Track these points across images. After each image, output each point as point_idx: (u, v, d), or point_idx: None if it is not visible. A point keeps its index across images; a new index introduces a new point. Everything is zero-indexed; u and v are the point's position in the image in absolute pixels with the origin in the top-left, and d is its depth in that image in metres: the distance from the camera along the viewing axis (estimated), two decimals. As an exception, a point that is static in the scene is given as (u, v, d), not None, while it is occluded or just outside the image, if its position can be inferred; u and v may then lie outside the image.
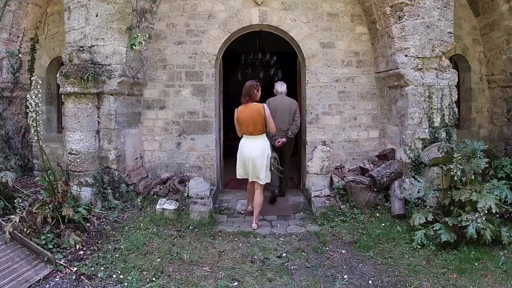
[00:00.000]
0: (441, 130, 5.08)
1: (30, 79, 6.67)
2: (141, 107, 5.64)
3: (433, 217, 4.07)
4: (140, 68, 5.35)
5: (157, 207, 4.42)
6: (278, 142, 5.20)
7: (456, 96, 5.18)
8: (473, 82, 6.69)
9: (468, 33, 6.64)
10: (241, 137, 4.56)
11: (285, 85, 5.62)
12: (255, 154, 4.34)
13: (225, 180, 6.65)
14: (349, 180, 4.73)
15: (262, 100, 4.67)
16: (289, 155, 5.65)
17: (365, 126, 5.70)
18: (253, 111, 4.34)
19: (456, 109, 5.17)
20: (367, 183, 4.63)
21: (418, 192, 4.37)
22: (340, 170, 5.50)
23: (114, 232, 4.20)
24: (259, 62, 8.48)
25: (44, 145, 6.52)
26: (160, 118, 5.59)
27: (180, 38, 5.47)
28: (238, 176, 4.64)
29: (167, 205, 4.40)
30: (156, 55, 5.55)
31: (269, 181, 4.55)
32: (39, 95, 3.67)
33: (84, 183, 4.60)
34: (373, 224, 4.41)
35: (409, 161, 5.00)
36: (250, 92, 4.39)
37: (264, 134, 4.48)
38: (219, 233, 4.17)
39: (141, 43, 4.48)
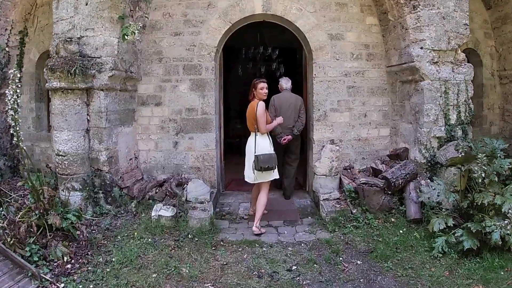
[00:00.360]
0: (457, 128, 4.82)
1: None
2: (135, 103, 5.25)
3: (453, 222, 3.78)
4: (133, 61, 4.96)
5: (153, 214, 4.06)
6: (284, 139, 5.11)
7: (472, 91, 4.93)
8: (484, 78, 6.44)
9: (480, 26, 6.37)
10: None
11: (290, 81, 5.42)
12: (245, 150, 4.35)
13: (226, 181, 6.28)
14: (362, 182, 4.38)
15: (268, 96, 4.46)
16: (297, 152, 5.47)
17: (375, 123, 5.36)
18: (251, 109, 4.28)
19: (472, 106, 4.91)
20: (381, 185, 4.28)
21: (438, 195, 4.04)
22: (349, 170, 5.15)
23: (105, 242, 3.87)
24: (260, 56, 8.10)
25: (34, 145, 6.30)
26: (155, 116, 5.21)
27: (177, 29, 5.09)
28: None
29: (163, 211, 4.03)
30: (151, 47, 5.16)
31: (258, 181, 4.26)
32: (18, 91, 3.27)
33: (71, 188, 4.20)
34: (389, 230, 4.11)
35: (424, 161, 4.72)
36: (252, 89, 4.33)
37: (260, 133, 4.23)
38: (221, 243, 3.81)
39: (134, 33, 4.10)
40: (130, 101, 5.14)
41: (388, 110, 5.41)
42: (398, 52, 4.97)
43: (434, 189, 4.12)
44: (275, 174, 4.28)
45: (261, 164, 4.06)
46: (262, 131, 4.20)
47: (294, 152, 5.39)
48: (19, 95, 3.40)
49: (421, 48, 4.64)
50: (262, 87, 4.27)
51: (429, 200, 4.15)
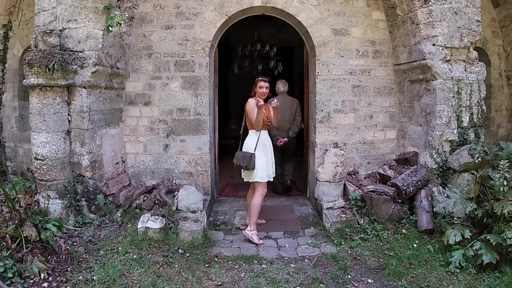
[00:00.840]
0: (470, 131, 4.57)
1: (2, 71, 5.92)
2: (122, 102, 4.88)
3: (470, 234, 3.51)
4: (121, 57, 4.59)
5: (139, 225, 3.69)
6: (280, 141, 5.24)
7: (485, 92, 4.67)
8: (492, 78, 6.21)
9: (488, 25, 6.15)
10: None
11: (287, 84, 5.50)
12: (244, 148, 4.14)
13: (221, 186, 5.92)
14: (369, 190, 4.04)
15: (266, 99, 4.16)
16: (291, 153, 5.69)
17: (381, 125, 5.05)
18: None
19: (484, 107, 4.67)
20: (391, 194, 3.95)
21: (454, 205, 3.73)
22: (354, 176, 4.83)
23: (87, 256, 3.52)
24: (257, 54, 7.76)
25: (17, 146, 5.88)
26: (144, 116, 4.83)
27: (169, 21, 4.72)
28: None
29: (151, 223, 3.66)
30: (141, 42, 4.79)
31: (261, 180, 3.99)
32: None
33: (46, 197, 3.82)
34: (400, 243, 3.81)
35: (436, 166, 4.44)
36: (253, 86, 4.12)
37: (254, 130, 4.03)
38: (216, 258, 3.45)
39: (120, 24, 3.74)
40: (117, 100, 4.76)
41: (395, 112, 5.11)
42: (408, 49, 4.67)
43: (449, 197, 3.83)
44: (256, 176, 3.93)
45: (234, 161, 3.99)
46: (252, 127, 4.02)
47: (289, 154, 5.57)
48: (2, 93, 3.03)
49: (433, 44, 4.36)
50: (261, 86, 4.01)
51: (445, 210, 3.83)
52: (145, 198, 4.52)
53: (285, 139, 5.38)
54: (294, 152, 6.07)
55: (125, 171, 5.09)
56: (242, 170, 3.99)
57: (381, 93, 4.99)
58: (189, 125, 4.77)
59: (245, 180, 4.09)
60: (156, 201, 4.27)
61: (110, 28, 3.76)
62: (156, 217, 3.83)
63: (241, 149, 4.06)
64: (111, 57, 4.39)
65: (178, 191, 4.39)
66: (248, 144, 4.00)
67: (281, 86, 5.48)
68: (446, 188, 4.34)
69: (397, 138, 5.17)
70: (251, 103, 3.99)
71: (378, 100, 4.98)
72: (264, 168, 3.95)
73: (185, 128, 4.77)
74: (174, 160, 4.81)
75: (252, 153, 3.87)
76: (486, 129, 5.79)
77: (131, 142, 4.94)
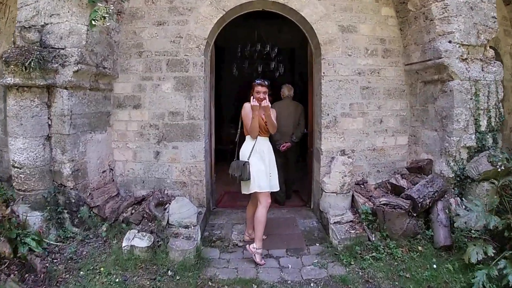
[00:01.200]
0: (488, 136, 4.25)
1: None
2: (110, 105, 4.53)
3: (494, 251, 3.18)
4: (108, 55, 4.25)
5: (124, 244, 3.33)
6: (283, 146, 5.18)
7: (503, 93, 4.39)
8: (505, 79, 5.87)
9: (499, 23, 5.80)
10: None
11: (293, 89, 5.42)
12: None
13: (218, 195, 5.57)
14: (382, 203, 3.67)
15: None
16: (295, 159, 5.58)
17: (392, 130, 4.71)
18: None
19: (502, 110, 4.37)
20: (406, 207, 3.59)
21: (476, 219, 3.37)
22: (363, 186, 4.47)
23: (67, 276, 3.22)
24: (258, 55, 7.44)
25: (3, 151, 5.48)
26: (134, 120, 4.48)
27: (161, 17, 4.39)
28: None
29: (137, 240, 3.30)
30: (131, 39, 4.46)
31: (260, 190, 3.62)
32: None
33: (17, 211, 3.46)
34: (416, 261, 3.47)
35: (453, 175, 4.11)
36: (251, 90, 3.80)
37: (248, 136, 3.77)
38: (210, 282, 3.09)
39: (104, 18, 3.40)
40: (104, 102, 4.41)
41: (407, 115, 4.78)
42: (421, 47, 4.34)
43: (470, 210, 3.47)
44: (254, 186, 3.59)
45: (229, 171, 3.70)
46: (247, 133, 3.75)
47: (291, 159, 5.43)
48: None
49: (449, 42, 4.05)
50: (258, 91, 3.64)
51: (466, 225, 3.48)
52: (133, 211, 4.15)
53: (288, 144, 5.25)
54: (297, 159, 5.82)
55: (113, 180, 4.73)
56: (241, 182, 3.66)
57: (392, 95, 4.65)
58: (182, 131, 4.41)
59: (243, 193, 3.75)
60: (144, 215, 3.90)
61: (94, 22, 3.43)
62: (144, 233, 3.46)
63: (237, 158, 3.73)
64: (97, 55, 4.05)
65: (169, 203, 4.02)
66: (243, 152, 3.69)
67: (286, 90, 5.38)
68: (463, 199, 4.05)
69: (409, 144, 4.83)
70: (246, 108, 3.71)
71: (388, 103, 4.64)
72: (261, 176, 3.60)
73: (178, 134, 4.42)
74: (166, 169, 4.44)
75: (246, 161, 3.55)
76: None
77: (120, 148, 4.58)
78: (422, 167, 4.32)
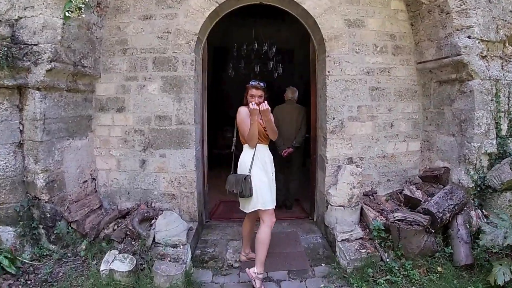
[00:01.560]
0: (509, 141, 3.94)
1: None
2: (91, 108, 4.17)
3: None
4: (88, 52, 3.89)
5: (102, 267, 2.96)
6: (285, 152, 5.09)
7: None
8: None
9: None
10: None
11: (297, 92, 5.30)
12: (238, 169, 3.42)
13: (212, 206, 5.20)
14: (397, 219, 3.31)
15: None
16: (299, 164, 5.43)
17: (403, 135, 4.37)
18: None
19: None
20: (425, 223, 3.22)
21: (505, 236, 3.02)
22: (372, 197, 4.11)
23: None
24: (255, 54, 7.11)
25: None
26: (117, 125, 4.11)
27: (148, 10, 4.04)
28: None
29: (118, 263, 2.92)
30: (114, 35, 4.10)
31: (264, 208, 3.20)
32: None
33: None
34: (436, 285, 3.12)
35: (473, 185, 3.78)
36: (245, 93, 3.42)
37: (246, 145, 3.30)
38: (200, 314, 2.68)
39: (80, 9, 3.05)
40: (84, 105, 4.05)
41: (419, 119, 4.44)
42: (436, 43, 4.01)
43: (496, 225, 3.12)
44: (258, 204, 3.16)
45: (226, 186, 3.28)
46: (243, 137, 3.29)
47: (295, 164, 5.31)
48: None
49: (469, 37, 3.74)
50: (252, 94, 3.22)
51: (493, 242, 3.12)
52: (115, 227, 3.78)
53: (290, 149, 5.13)
54: (301, 165, 5.57)
55: (96, 191, 4.37)
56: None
57: (403, 96, 4.31)
58: (171, 137, 4.03)
59: (243, 210, 3.33)
60: (127, 232, 3.51)
61: (68, 14, 3.05)
62: (125, 255, 3.08)
63: (235, 171, 3.32)
64: (75, 53, 3.69)
65: (156, 218, 3.64)
66: (242, 164, 3.25)
67: (290, 93, 5.27)
68: (482, 210, 3.71)
69: (421, 151, 4.50)
70: (242, 113, 3.27)
71: (399, 105, 4.29)
72: (265, 190, 3.18)
73: (166, 140, 4.04)
74: (153, 179, 4.06)
75: (247, 175, 3.12)
76: None
77: (103, 156, 4.21)
78: (438, 176, 3.97)
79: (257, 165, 3.18)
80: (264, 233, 3.13)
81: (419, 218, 3.28)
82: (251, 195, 3.09)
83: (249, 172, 3.14)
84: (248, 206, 3.20)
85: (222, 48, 7.80)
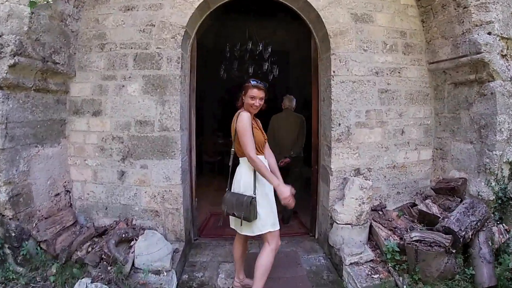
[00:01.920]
0: None
1: None
2: (65, 111, 3.76)
3: None
4: (61, 47, 3.49)
5: (67, 302, 2.49)
6: (281, 162, 4.87)
7: None
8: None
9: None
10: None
11: (295, 100, 5.22)
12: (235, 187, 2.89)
13: (201, 221, 4.79)
14: (414, 240, 2.93)
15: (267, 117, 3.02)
16: (297, 175, 5.22)
17: (415, 143, 4.03)
18: (232, 121, 2.93)
19: None
20: (447, 244, 2.85)
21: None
22: (381, 213, 3.74)
23: None
24: (249, 55, 6.75)
25: None
26: (93, 131, 3.69)
27: (130, 1, 3.64)
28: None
29: (87, 297, 2.47)
30: (92, 29, 3.70)
31: (274, 229, 2.81)
32: None
33: None
34: None
35: (494, 197, 3.46)
36: (241, 93, 2.94)
37: (244, 159, 2.84)
38: None
39: (47, -4, 2.62)
40: (56, 107, 3.63)
41: (431, 124, 4.09)
42: (451, 41, 3.69)
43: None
44: (266, 225, 2.76)
45: (223, 207, 2.79)
46: (246, 154, 2.72)
47: (295, 173, 5.14)
48: None
49: (489, 33, 3.43)
50: (253, 96, 2.80)
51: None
52: (90, 248, 3.34)
53: (287, 159, 4.99)
54: (299, 175, 5.35)
55: (70, 205, 3.95)
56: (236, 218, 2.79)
57: (414, 100, 3.97)
58: (153, 145, 3.60)
59: (242, 233, 2.87)
60: (103, 255, 3.08)
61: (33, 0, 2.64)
62: (98, 284, 2.66)
63: (230, 187, 2.89)
64: (44, 46, 3.27)
65: (137, 239, 3.21)
66: (243, 182, 2.79)
67: (287, 101, 5.19)
68: (503, 224, 3.38)
69: (433, 159, 4.16)
70: (244, 120, 2.74)
71: (410, 110, 3.95)
72: (273, 209, 2.81)
73: (147, 149, 3.61)
74: (133, 194, 3.63)
75: (252, 197, 2.66)
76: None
77: (77, 166, 3.79)
78: (456, 188, 3.62)
79: (262, 183, 2.76)
80: (267, 257, 2.76)
81: (440, 238, 2.91)
82: (256, 218, 2.66)
83: (254, 194, 2.69)
84: (253, 229, 2.75)
85: (215, 49, 7.44)
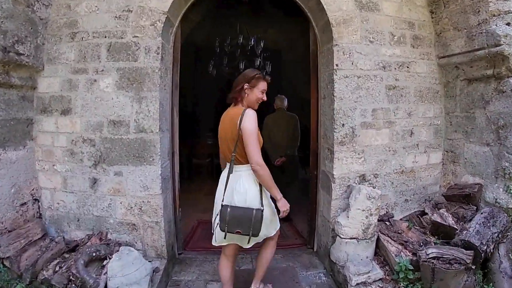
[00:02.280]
0: None
1: None
2: (32, 109, 3.36)
3: None
4: (27, 37, 3.10)
5: None
6: (278, 161, 5.06)
7: None
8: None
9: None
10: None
11: (286, 99, 5.32)
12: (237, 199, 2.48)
13: (187, 231, 4.43)
14: (430, 257, 2.58)
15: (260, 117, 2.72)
16: (292, 177, 5.29)
17: (424, 145, 3.71)
18: (227, 120, 2.57)
19: None
20: (468, 261, 2.52)
21: None
22: (388, 223, 3.40)
23: None
24: (240, 51, 6.40)
25: None
26: (62, 132, 3.28)
27: (104, -16, 3.22)
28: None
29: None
30: (63, 16, 3.31)
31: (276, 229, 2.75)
32: None
33: None
34: None
35: None
36: (237, 87, 2.58)
37: (248, 166, 2.47)
38: None
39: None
40: (21, 105, 3.22)
41: (441, 125, 3.77)
42: (465, 33, 3.37)
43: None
44: (271, 230, 2.62)
45: (226, 225, 2.37)
46: (254, 161, 2.36)
47: (290, 172, 5.21)
48: None
49: (508, 24, 3.11)
50: (264, 89, 2.59)
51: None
52: (57, 268, 2.93)
53: (283, 158, 5.09)
54: (294, 177, 5.41)
55: (40, 215, 3.56)
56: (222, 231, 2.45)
57: (424, 97, 3.65)
58: (128, 149, 3.19)
59: (247, 246, 2.57)
60: (71, 277, 2.67)
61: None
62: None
63: (224, 197, 2.50)
64: (6, 35, 2.87)
65: (111, 257, 2.81)
66: (250, 194, 2.43)
67: (279, 101, 5.29)
68: None
69: (443, 163, 3.84)
70: (254, 119, 2.43)
71: (420, 109, 3.63)
72: (274, 211, 2.63)
73: (122, 154, 3.21)
74: (107, 204, 3.23)
75: (261, 209, 2.37)
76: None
77: (46, 171, 3.38)
78: (471, 195, 3.29)
79: (265, 190, 2.52)
80: (272, 253, 2.81)
81: (461, 254, 2.58)
82: (260, 231, 2.40)
83: (262, 206, 2.40)
84: (261, 237, 2.54)
85: (207, 49, 7.10)
